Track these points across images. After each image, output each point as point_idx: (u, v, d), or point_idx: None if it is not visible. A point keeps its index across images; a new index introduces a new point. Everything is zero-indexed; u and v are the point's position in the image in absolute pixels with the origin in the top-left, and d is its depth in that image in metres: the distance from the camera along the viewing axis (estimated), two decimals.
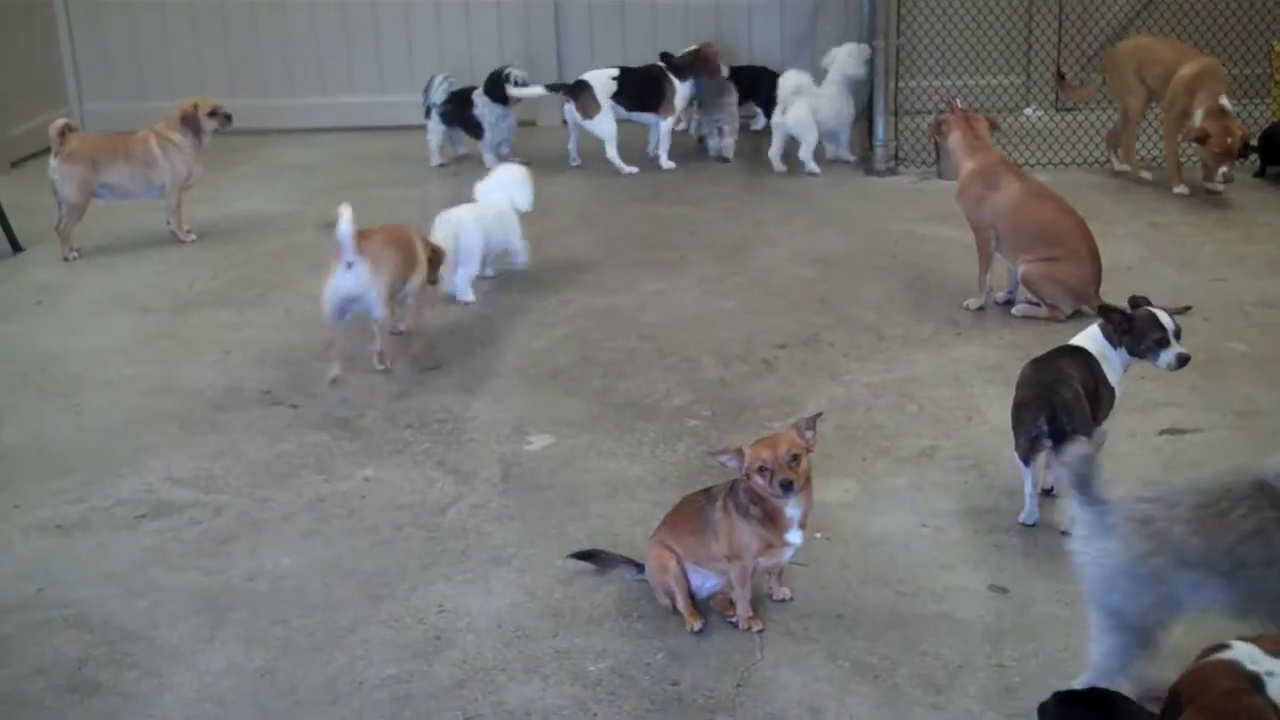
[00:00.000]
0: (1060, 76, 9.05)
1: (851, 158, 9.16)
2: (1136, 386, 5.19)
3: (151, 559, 4.32)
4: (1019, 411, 4.30)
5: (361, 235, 5.50)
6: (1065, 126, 8.91)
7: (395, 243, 5.78)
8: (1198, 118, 7.75)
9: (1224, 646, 2.64)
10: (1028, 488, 4.33)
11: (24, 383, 5.82)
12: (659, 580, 3.86)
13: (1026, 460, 4.28)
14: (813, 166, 8.86)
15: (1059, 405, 4.14)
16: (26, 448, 5.18)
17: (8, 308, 6.87)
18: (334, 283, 5.54)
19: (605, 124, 9.02)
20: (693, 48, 9.25)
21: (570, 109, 9.07)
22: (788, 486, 3.57)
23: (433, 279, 6.10)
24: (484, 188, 6.93)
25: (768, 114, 9.35)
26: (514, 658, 3.72)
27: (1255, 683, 2.52)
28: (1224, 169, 7.73)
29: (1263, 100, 9.29)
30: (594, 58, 10.06)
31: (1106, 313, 4.46)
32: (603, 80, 9.01)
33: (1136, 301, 4.50)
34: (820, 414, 3.85)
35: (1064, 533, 4.20)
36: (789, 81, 8.90)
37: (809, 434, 3.68)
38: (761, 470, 3.60)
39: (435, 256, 6.10)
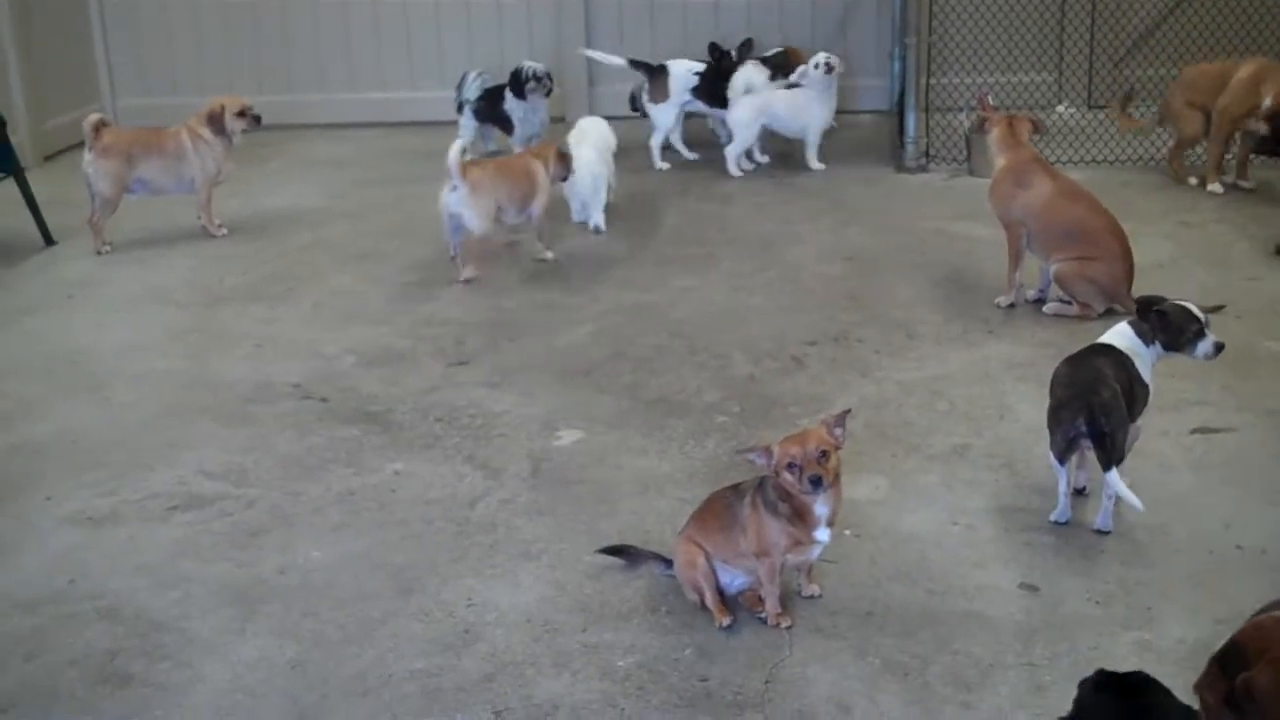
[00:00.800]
0: (1124, 104, 8.79)
1: (817, 166, 8.92)
2: (1168, 385, 5.16)
3: (183, 551, 4.35)
4: (1057, 412, 4.27)
5: (470, 164, 6.98)
6: (1097, 124, 8.87)
7: (504, 173, 7.08)
8: (1266, 104, 7.72)
9: None
10: (1062, 486, 4.31)
11: (55, 376, 5.86)
12: (687, 576, 3.86)
13: (1062, 460, 4.26)
14: (734, 169, 8.84)
15: (1098, 406, 4.11)
16: (58, 441, 5.21)
17: (40, 301, 6.91)
18: (442, 200, 6.90)
19: (665, 114, 9.05)
20: (780, 49, 9.29)
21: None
22: (817, 483, 3.56)
23: (561, 176, 7.34)
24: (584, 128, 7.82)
25: None
26: (543, 652, 3.72)
27: None
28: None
29: None
30: (624, 52, 10.05)
31: (1143, 308, 4.44)
32: (682, 72, 9.03)
33: (1150, 301, 4.48)
34: (849, 410, 3.83)
35: (1096, 531, 4.20)
36: (740, 79, 8.81)
37: (838, 431, 3.67)
38: (790, 466, 3.59)
39: (563, 161, 7.29)
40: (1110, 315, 5.90)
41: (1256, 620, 2.49)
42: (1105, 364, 4.29)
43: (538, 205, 7.12)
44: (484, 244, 7.03)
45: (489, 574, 4.14)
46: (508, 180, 7.04)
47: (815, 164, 8.89)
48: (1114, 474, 4.07)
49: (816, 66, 8.70)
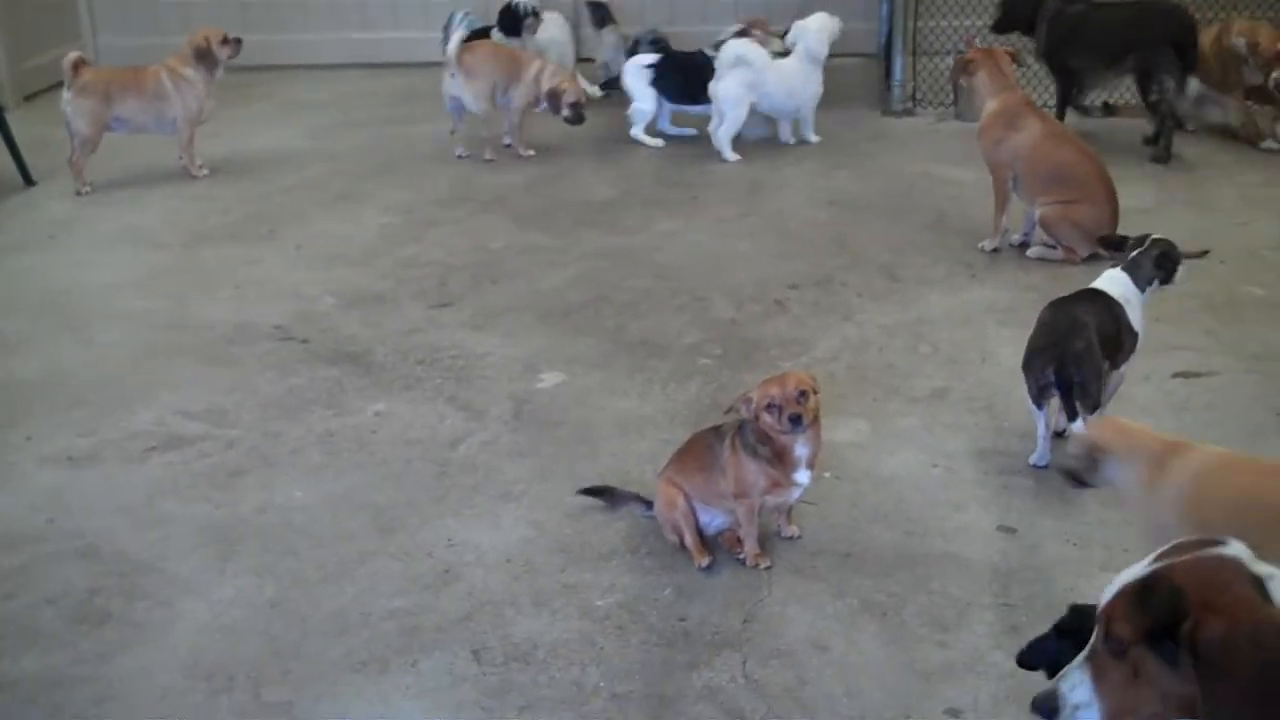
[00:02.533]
0: None
1: (814, 139, 8.23)
2: (1150, 329, 5.14)
3: (162, 491, 4.34)
4: (1030, 358, 4.28)
5: (465, 49, 7.84)
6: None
7: (494, 59, 7.93)
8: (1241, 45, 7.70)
9: (1212, 542, 2.21)
10: (1040, 430, 4.31)
11: (37, 316, 5.83)
12: (667, 517, 3.86)
13: (1038, 404, 4.27)
14: (727, 154, 7.89)
15: (1069, 356, 4.12)
16: (38, 380, 5.19)
17: (20, 241, 6.86)
18: (443, 86, 7.89)
19: (641, 105, 8.33)
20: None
21: None
22: (796, 421, 3.56)
23: (554, 110, 7.89)
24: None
25: None
26: (522, 592, 3.73)
27: (1260, 587, 2.10)
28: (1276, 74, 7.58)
29: None
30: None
31: (1116, 247, 4.47)
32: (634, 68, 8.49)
33: (1116, 241, 4.55)
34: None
35: (1032, 466, 4.23)
36: (729, 52, 7.83)
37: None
38: (770, 407, 3.59)
39: (553, 95, 7.82)
40: (1095, 260, 5.89)
41: (1193, 560, 2.19)
42: (1088, 311, 4.28)
43: (516, 96, 7.87)
44: (495, 130, 7.99)
45: (469, 515, 4.14)
46: (500, 63, 7.92)
47: (812, 137, 8.22)
48: (1079, 424, 4.08)
49: (820, 31, 7.92)
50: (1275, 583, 2.11)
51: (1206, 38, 7.84)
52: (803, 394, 3.58)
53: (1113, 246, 4.64)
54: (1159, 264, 4.40)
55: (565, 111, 7.85)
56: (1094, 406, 4.16)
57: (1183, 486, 3.06)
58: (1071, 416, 4.14)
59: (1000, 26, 8.25)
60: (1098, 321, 4.26)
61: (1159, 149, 7.64)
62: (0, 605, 3.74)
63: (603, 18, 9.31)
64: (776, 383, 3.62)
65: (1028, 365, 4.29)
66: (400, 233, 6.79)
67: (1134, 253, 4.45)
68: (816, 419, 3.66)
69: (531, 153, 8.01)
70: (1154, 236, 4.49)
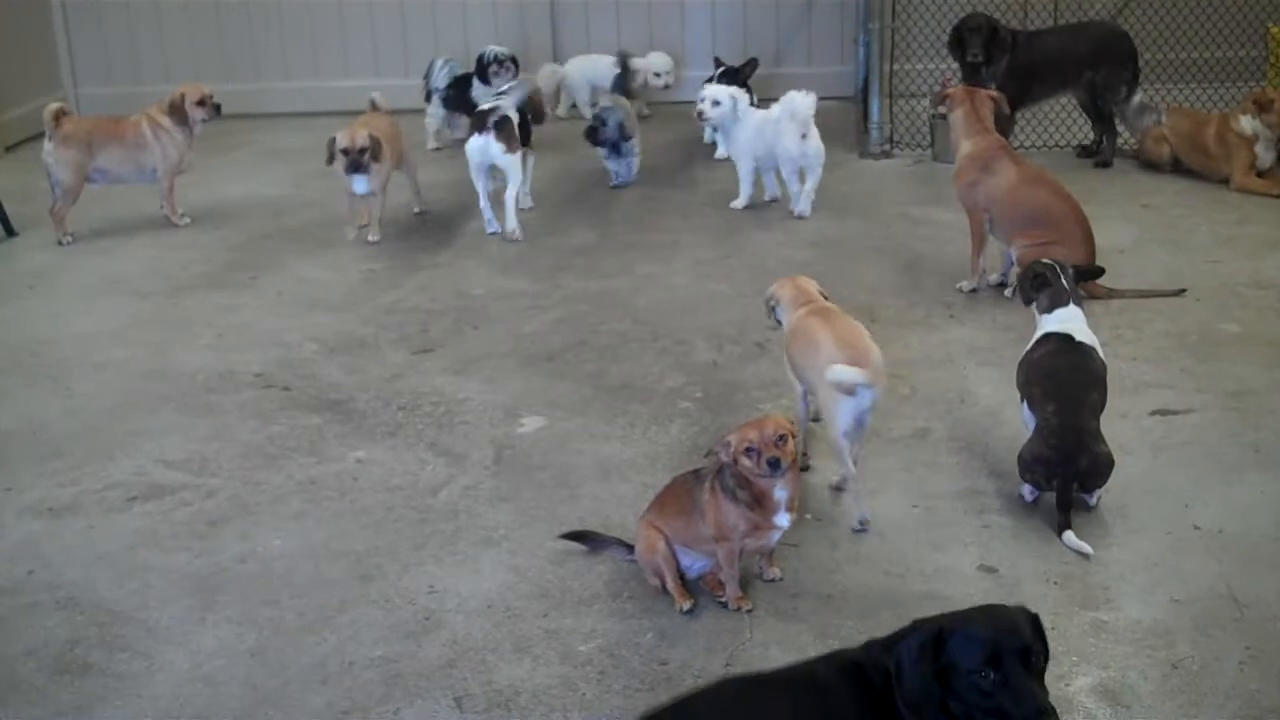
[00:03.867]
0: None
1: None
2: (1128, 368, 5.21)
3: (142, 541, 4.32)
4: (1031, 465, 4.23)
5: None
6: (1060, 109, 8.89)
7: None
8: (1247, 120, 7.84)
9: None
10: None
11: (16, 366, 5.82)
12: (648, 561, 3.87)
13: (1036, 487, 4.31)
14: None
15: (1073, 475, 4.16)
16: (18, 430, 5.18)
17: (1, 291, 6.86)
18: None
19: None
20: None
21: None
22: (775, 465, 3.57)
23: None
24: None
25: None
26: (504, 638, 3.73)
27: None
28: None
29: (1259, 83, 9.26)
30: (590, 42, 10.07)
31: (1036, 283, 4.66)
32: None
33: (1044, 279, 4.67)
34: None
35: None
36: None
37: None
38: (749, 451, 3.60)
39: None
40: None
41: None
42: (1093, 386, 4.32)
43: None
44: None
45: (450, 561, 4.14)
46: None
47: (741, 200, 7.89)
48: (1070, 535, 4.07)
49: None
50: None
51: (1209, 131, 8.00)
52: (781, 438, 3.59)
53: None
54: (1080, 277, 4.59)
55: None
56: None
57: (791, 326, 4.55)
58: (1063, 526, 4.10)
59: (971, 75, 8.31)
60: (1100, 397, 4.32)
61: (1104, 155, 8.50)
62: None
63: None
64: (755, 426, 3.63)
65: (1028, 469, 4.26)
66: (381, 279, 6.81)
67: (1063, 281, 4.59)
68: (795, 462, 3.67)
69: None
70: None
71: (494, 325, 6.11)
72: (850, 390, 4.15)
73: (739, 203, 7.80)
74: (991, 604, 2.93)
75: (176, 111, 7.71)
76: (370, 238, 7.40)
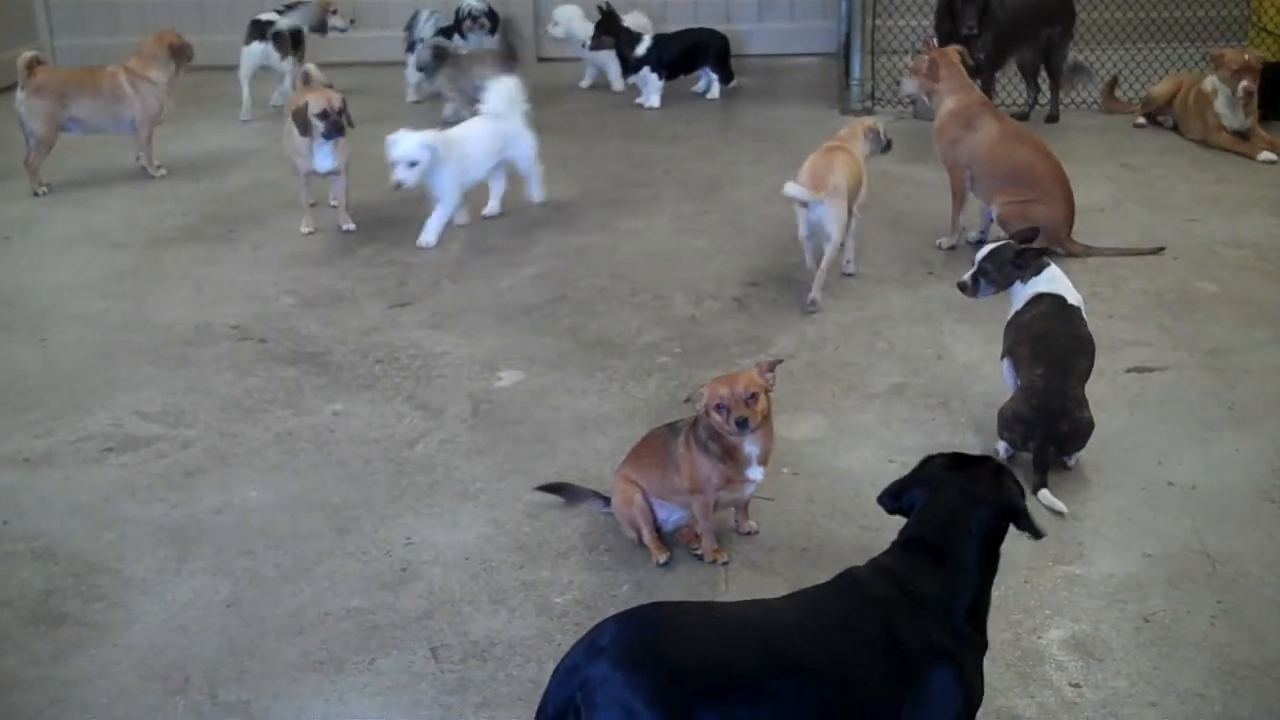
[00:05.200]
0: (1111, 89, 8.92)
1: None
2: (1106, 325, 5.22)
3: (118, 492, 4.32)
4: (1011, 422, 4.27)
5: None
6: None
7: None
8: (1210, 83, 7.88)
9: None
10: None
11: None
12: (624, 513, 3.87)
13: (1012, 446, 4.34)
14: None
15: (1052, 438, 4.20)
16: None
17: None
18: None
19: None
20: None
21: None
22: (743, 424, 3.56)
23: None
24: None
25: (723, 79, 9.39)
26: (480, 590, 3.73)
27: None
28: (1244, 84, 7.66)
29: (1240, 43, 9.24)
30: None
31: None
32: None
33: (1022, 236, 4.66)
34: (781, 360, 3.86)
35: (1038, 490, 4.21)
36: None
37: (769, 375, 3.68)
38: (719, 408, 3.59)
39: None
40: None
41: None
42: (1083, 353, 4.34)
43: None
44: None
45: (427, 513, 4.14)
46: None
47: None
48: (1046, 493, 4.09)
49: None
50: None
51: (1181, 96, 8.09)
52: (752, 396, 3.58)
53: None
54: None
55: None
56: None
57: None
58: (1039, 485, 4.11)
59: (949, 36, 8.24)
60: (1087, 366, 4.34)
61: (1052, 110, 8.64)
62: None
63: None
64: (726, 383, 3.63)
65: (1007, 427, 4.29)
66: (359, 233, 6.77)
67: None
68: (767, 418, 3.67)
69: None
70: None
71: (472, 280, 6.09)
72: (803, 203, 5.50)
73: (537, 196, 7.10)
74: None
75: (178, 51, 7.69)
76: (344, 226, 6.76)
